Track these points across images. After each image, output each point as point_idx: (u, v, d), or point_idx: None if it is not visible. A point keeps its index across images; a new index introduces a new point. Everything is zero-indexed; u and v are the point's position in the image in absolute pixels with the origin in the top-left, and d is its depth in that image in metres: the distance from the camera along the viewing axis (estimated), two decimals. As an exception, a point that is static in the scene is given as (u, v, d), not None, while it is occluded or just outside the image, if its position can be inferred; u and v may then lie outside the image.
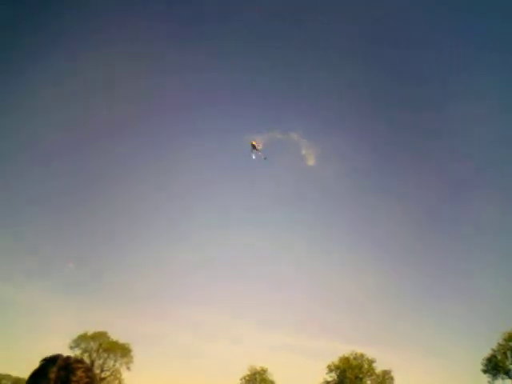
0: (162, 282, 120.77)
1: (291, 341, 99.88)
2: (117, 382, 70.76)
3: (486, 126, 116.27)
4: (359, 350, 73.09)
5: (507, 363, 59.87)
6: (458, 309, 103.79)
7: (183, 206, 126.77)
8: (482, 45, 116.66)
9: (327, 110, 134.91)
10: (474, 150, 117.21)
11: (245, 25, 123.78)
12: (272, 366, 78.79)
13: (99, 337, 71.13)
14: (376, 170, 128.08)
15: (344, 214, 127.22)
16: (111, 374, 71.02)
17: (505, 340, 60.74)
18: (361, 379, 70.35)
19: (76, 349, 68.90)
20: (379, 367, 71.59)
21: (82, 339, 70.37)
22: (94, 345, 70.85)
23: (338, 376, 71.06)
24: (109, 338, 71.80)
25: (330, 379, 71.94)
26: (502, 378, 60.16)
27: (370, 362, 71.69)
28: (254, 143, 44.41)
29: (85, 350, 69.67)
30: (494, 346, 61.10)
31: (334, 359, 72.31)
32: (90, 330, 71.28)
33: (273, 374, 75.24)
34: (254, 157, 45.12)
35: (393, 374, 71.27)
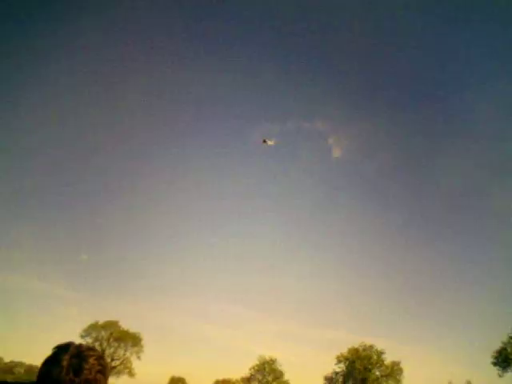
0: (172, 274, 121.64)
1: (301, 331, 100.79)
2: (127, 370, 71.54)
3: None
4: (368, 341, 73.44)
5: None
6: (468, 302, 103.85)
7: (196, 197, 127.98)
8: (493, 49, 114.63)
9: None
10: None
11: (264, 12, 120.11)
12: (282, 356, 79.43)
13: (110, 326, 71.67)
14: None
15: (367, 201, 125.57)
16: (121, 363, 71.65)
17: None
18: (370, 370, 70.51)
19: (87, 337, 69.50)
20: (388, 358, 71.89)
21: (92, 328, 71.00)
22: (104, 334, 71.45)
23: (347, 367, 71.33)
24: (120, 327, 72.39)
25: (338, 370, 72.38)
26: (512, 371, 59.87)
27: (379, 353, 71.81)
28: (266, 140, 52.12)
29: (96, 339, 70.30)
30: (505, 338, 60.84)
31: (344, 350, 72.79)
32: (101, 320, 72.16)
33: (282, 364, 75.92)
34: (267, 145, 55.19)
35: (402, 365, 71.57)
